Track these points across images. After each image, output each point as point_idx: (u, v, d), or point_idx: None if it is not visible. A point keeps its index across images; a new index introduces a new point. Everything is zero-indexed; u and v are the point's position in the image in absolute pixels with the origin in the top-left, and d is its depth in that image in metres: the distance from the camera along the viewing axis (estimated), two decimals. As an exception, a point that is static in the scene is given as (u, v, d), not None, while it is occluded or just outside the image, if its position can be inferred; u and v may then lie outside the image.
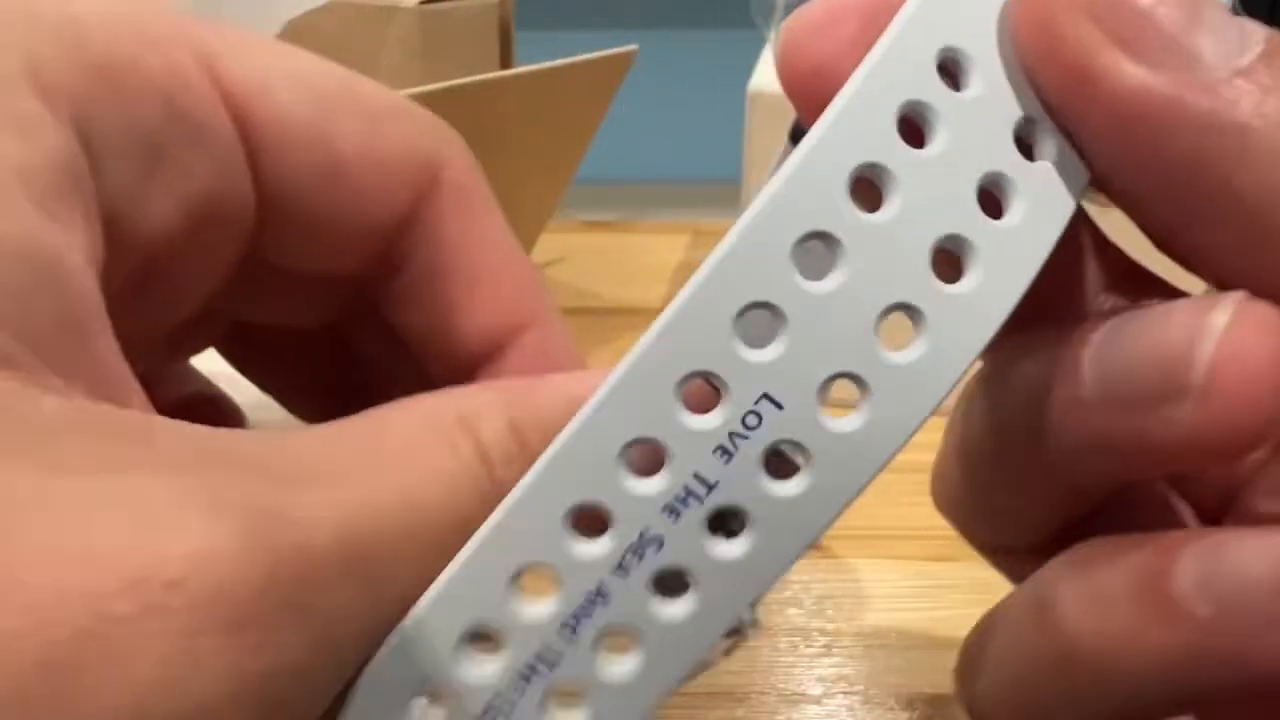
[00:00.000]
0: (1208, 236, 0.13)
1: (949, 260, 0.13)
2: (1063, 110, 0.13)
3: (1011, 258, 0.13)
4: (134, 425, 0.12)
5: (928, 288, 0.12)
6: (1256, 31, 0.12)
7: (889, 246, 0.12)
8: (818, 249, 0.12)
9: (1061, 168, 0.13)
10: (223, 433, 0.12)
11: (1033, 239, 0.13)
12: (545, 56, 0.41)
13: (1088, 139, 0.13)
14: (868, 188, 0.12)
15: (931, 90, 0.12)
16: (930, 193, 0.12)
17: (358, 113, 0.16)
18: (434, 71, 0.40)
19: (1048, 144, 0.13)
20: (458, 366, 0.18)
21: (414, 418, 0.13)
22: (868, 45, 0.13)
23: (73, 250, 0.12)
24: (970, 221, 0.12)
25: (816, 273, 0.12)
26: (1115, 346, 0.13)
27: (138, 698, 0.10)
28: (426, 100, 0.22)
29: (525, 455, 0.13)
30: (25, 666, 0.10)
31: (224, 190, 0.15)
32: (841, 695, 0.27)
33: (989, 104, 0.13)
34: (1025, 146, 0.13)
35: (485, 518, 0.13)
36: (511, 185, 0.17)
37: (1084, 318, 0.14)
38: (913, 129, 0.13)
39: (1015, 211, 0.13)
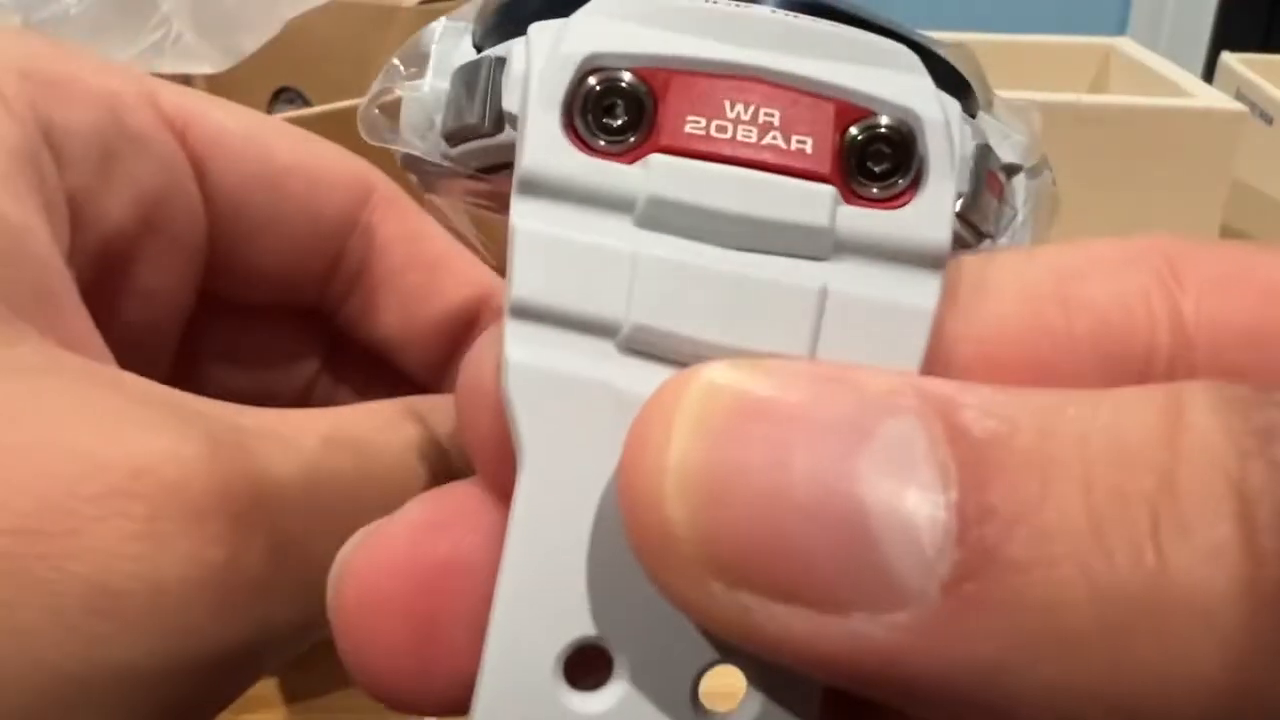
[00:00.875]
0: None
1: None
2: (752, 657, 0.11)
3: None
4: (104, 371, 0.13)
5: None
6: (948, 523, 0.09)
7: None
8: None
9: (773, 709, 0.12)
10: (192, 395, 0.13)
11: None
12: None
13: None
14: None
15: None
16: None
17: (288, 133, 0.18)
18: (434, 71, 0.40)
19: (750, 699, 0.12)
20: (432, 357, 0.19)
21: (358, 409, 0.15)
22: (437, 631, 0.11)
23: (39, 227, 0.14)
24: None
25: None
26: None
27: (98, 568, 0.11)
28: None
29: (428, 434, 0.15)
30: None
31: (171, 193, 0.17)
32: (842, 695, 0.27)
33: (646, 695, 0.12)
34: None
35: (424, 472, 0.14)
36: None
37: None
38: None
39: None
